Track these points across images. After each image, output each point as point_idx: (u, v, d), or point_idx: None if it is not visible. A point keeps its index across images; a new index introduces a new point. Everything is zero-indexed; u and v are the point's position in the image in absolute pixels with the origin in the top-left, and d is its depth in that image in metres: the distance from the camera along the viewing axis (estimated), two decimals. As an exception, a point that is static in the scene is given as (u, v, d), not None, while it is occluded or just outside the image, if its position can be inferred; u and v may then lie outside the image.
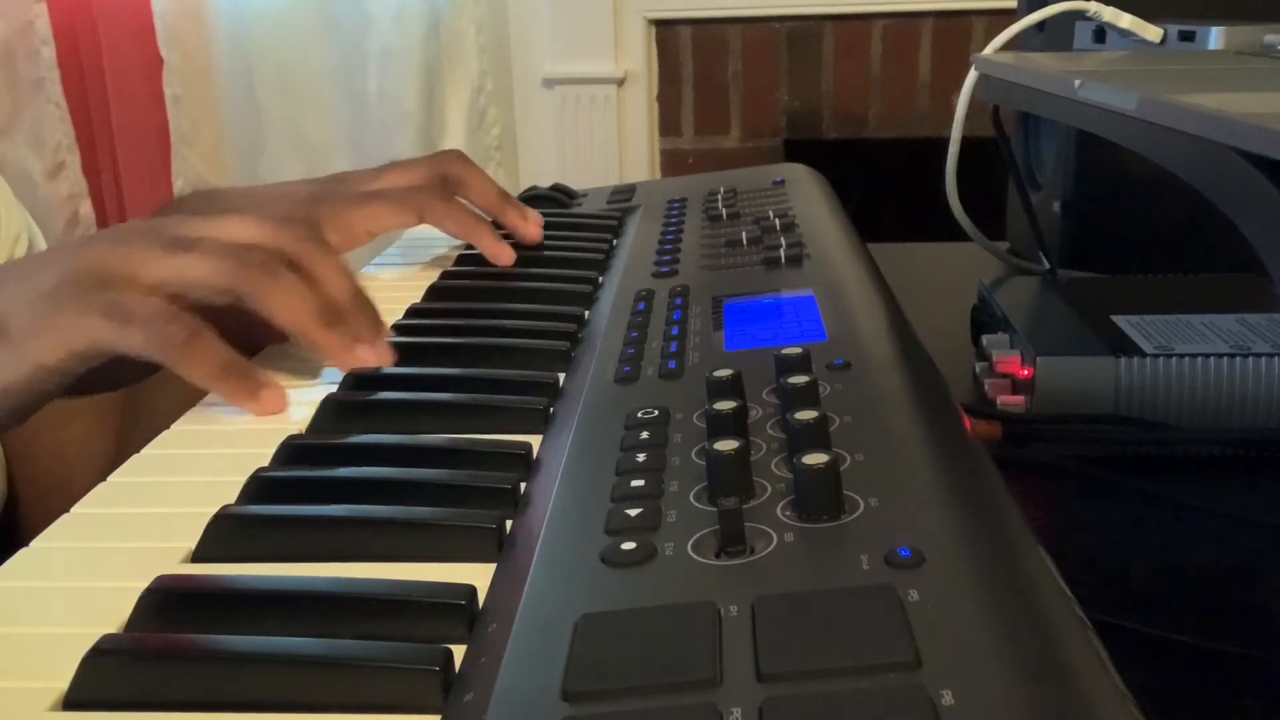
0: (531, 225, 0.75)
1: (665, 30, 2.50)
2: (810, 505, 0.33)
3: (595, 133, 2.54)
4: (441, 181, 0.73)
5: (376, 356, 0.53)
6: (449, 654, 0.31)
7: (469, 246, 0.78)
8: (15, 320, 0.48)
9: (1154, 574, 0.51)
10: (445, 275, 0.72)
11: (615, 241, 0.78)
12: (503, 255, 0.71)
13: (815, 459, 0.33)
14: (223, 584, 0.36)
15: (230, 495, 0.41)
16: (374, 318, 0.55)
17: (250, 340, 0.57)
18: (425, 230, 0.87)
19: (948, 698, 0.24)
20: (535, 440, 0.46)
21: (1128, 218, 0.88)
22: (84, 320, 0.47)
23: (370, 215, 0.70)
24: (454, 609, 0.33)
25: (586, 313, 0.63)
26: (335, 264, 0.54)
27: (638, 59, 2.51)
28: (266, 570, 0.37)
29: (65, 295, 0.48)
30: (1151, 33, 0.74)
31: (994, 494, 0.35)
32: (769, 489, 0.35)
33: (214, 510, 0.39)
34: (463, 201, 0.72)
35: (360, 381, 0.52)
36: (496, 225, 0.75)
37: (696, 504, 0.35)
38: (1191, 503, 0.55)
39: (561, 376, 0.53)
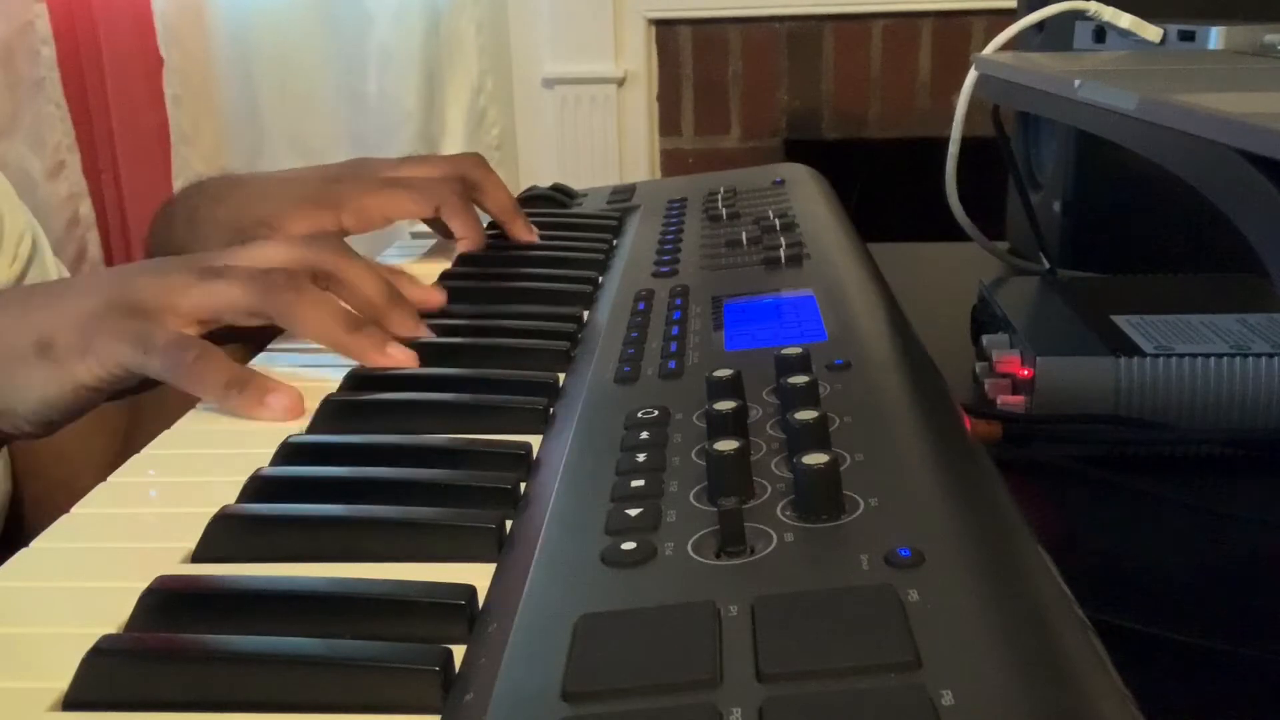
0: (533, 239, 0.79)
1: (665, 30, 2.50)
2: (810, 505, 0.33)
3: (595, 133, 2.53)
4: (460, 181, 0.76)
5: (409, 358, 0.55)
6: (449, 654, 0.31)
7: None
8: (62, 339, 0.51)
9: (1154, 574, 0.51)
10: (445, 275, 0.72)
11: (615, 241, 0.78)
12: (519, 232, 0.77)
13: (815, 459, 0.33)
14: (223, 584, 0.36)
15: (230, 495, 0.41)
16: (409, 314, 0.57)
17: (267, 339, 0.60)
18: (424, 230, 0.87)
19: (948, 698, 0.24)
20: (535, 440, 0.46)
21: (1128, 218, 0.88)
22: (117, 345, 0.51)
23: (390, 201, 0.73)
24: (454, 609, 0.33)
25: (586, 313, 0.63)
26: (363, 267, 0.57)
27: (638, 59, 2.51)
28: (266, 570, 0.37)
29: (105, 320, 0.52)
30: (1151, 33, 0.74)
31: (994, 494, 0.35)
32: (769, 489, 0.35)
33: (214, 510, 0.39)
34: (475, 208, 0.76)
35: (360, 381, 0.52)
36: (501, 236, 0.78)
37: (696, 504, 0.35)
38: (1191, 503, 0.55)
39: (561, 376, 0.53)
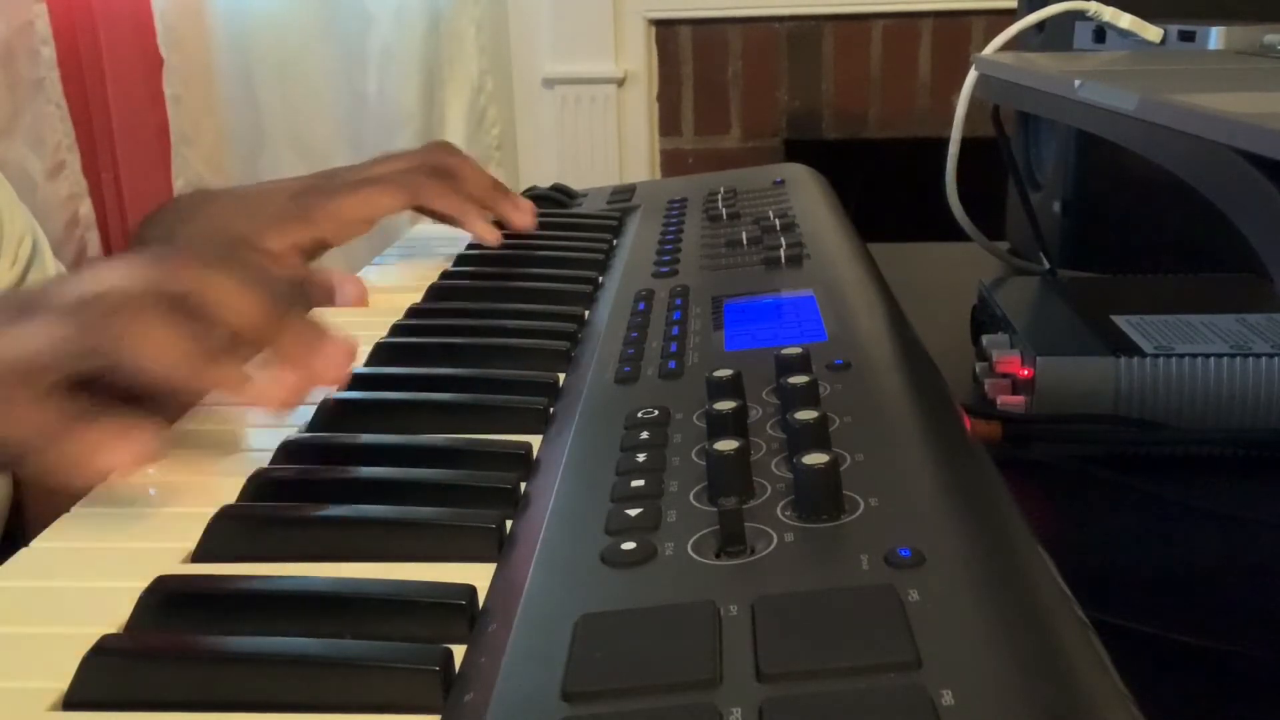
0: (524, 214, 0.77)
1: (665, 30, 2.50)
2: (810, 505, 0.33)
3: (595, 133, 2.53)
4: (433, 169, 0.74)
5: (288, 386, 0.44)
6: (449, 654, 0.31)
7: (469, 246, 0.78)
8: None
9: (1154, 574, 0.51)
10: (445, 275, 0.72)
11: (615, 241, 0.78)
12: (489, 237, 0.73)
13: (815, 459, 0.33)
14: (223, 584, 0.36)
15: (230, 495, 0.41)
16: (304, 328, 0.45)
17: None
18: (425, 230, 0.87)
19: (948, 698, 0.24)
20: (535, 440, 0.46)
21: (1128, 218, 0.88)
22: None
23: (364, 200, 0.71)
24: (454, 609, 0.33)
25: (586, 313, 0.63)
26: (228, 283, 0.44)
27: (638, 59, 2.51)
28: (266, 570, 0.37)
29: None
30: (1151, 33, 0.74)
31: (994, 494, 0.35)
32: (769, 489, 0.35)
33: (214, 510, 0.39)
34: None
35: (360, 381, 0.52)
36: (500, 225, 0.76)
37: (696, 504, 0.35)
38: (1191, 503, 0.55)
39: (561, 376, 0.53)
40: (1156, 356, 0.60)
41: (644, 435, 0.41)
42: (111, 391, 0.43)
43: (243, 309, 0.44)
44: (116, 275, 0.43)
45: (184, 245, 0.61)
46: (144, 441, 0.40)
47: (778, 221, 0.71)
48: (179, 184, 2.37)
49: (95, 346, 0.41)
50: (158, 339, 0.41)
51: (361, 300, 0.66)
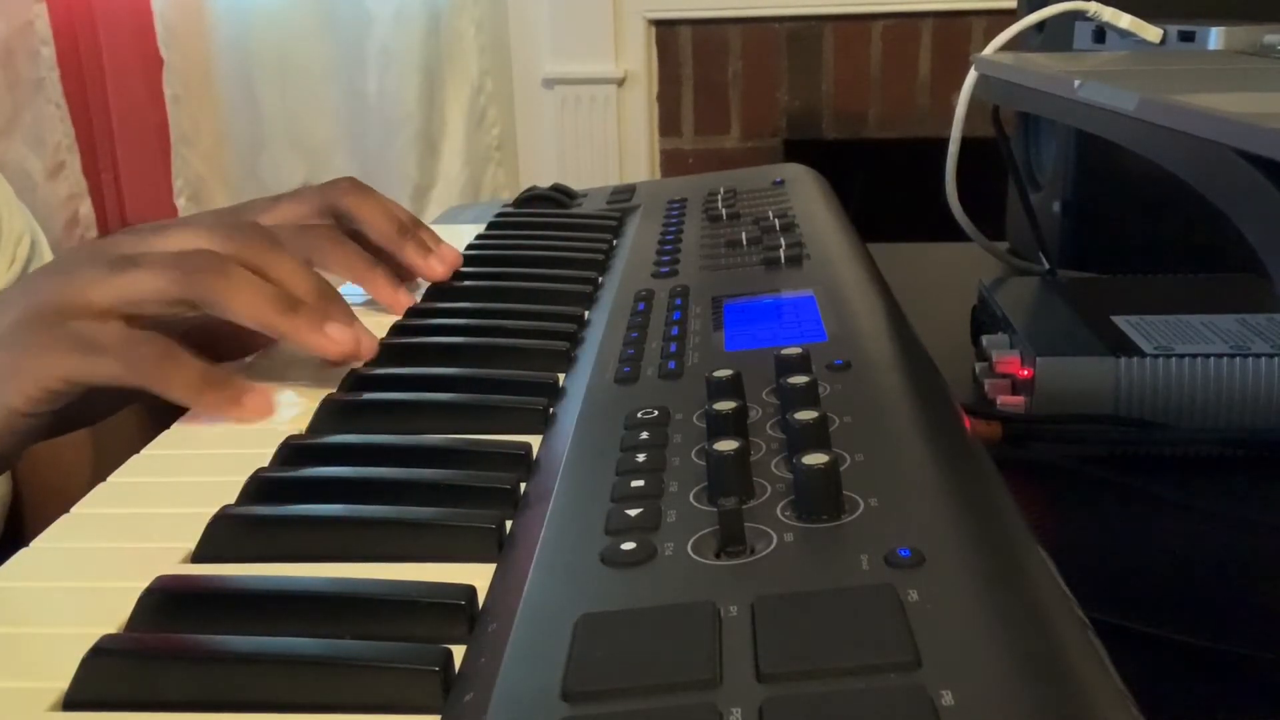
0: (435, 263, 0.66)
1: (665, 30, 2.51)
2: (810, 505, 0.33)
3: (595, 133, 2.54)
4: (333, 216, 0.64)
5: (351, 338, 0.52)
6: (449, 654, 0.31)
7: (470, 246, 0.78)
8: None
9: (1154, 574, 0.51)
10: (445, 275, 0.72)
11: (615, 241, 0.78)
12: (397, 304, 0.62)
13: (815, 459, 0.33)
14: (223, 584, 0.36)
15: (230, 495, 0.41)
16: (343, 309, 0.53)
17: (219, 356, 0.55)
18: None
19: (948, 698, 0.24)
20: (535, 440, 0.46)
21: (1128, 218, 0.88)
22: (52, 357, 0.47)
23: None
24: (454, 609, 0.33)
25: (586, 313, 0.63)
26: (291, 263, 0.52)
27: (638, 59, 2.51)
28: (266, 570, 0.37)
29: (26, 336, 0.47)
30: (1151, 33, 0.74)
31: (994, 494, 0.35)
32: (769, 489, 0.35)
33: (214, 510, 0.39)
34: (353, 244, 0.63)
35: (360, 381, 0.52)
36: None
37: (696, 504, 0.35)
38: (1191, 503, 0.55)
39: (561, 377, 0.53)
40: (1156, 356, 0.60)
41: (644, 435, 0.41)
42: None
43: (301, 281, 0.52)
44: (202, 239, 0.52)
45: (252, 218, 0.60)
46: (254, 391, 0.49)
47: (778, 222, 0.71)
48: (179, 184, 2.38)
49: (186, 294, 0.49)
50: (246, 289, 0.50)
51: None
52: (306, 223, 0.63)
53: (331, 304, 0.53)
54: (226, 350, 0.56)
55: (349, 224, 0.64)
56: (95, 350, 0.47)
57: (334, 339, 0.51)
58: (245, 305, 0.49)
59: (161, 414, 0.53)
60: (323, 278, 0.53)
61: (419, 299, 0.67)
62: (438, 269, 0.66)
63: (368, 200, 0.65)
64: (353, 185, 0.66)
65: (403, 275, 0.65)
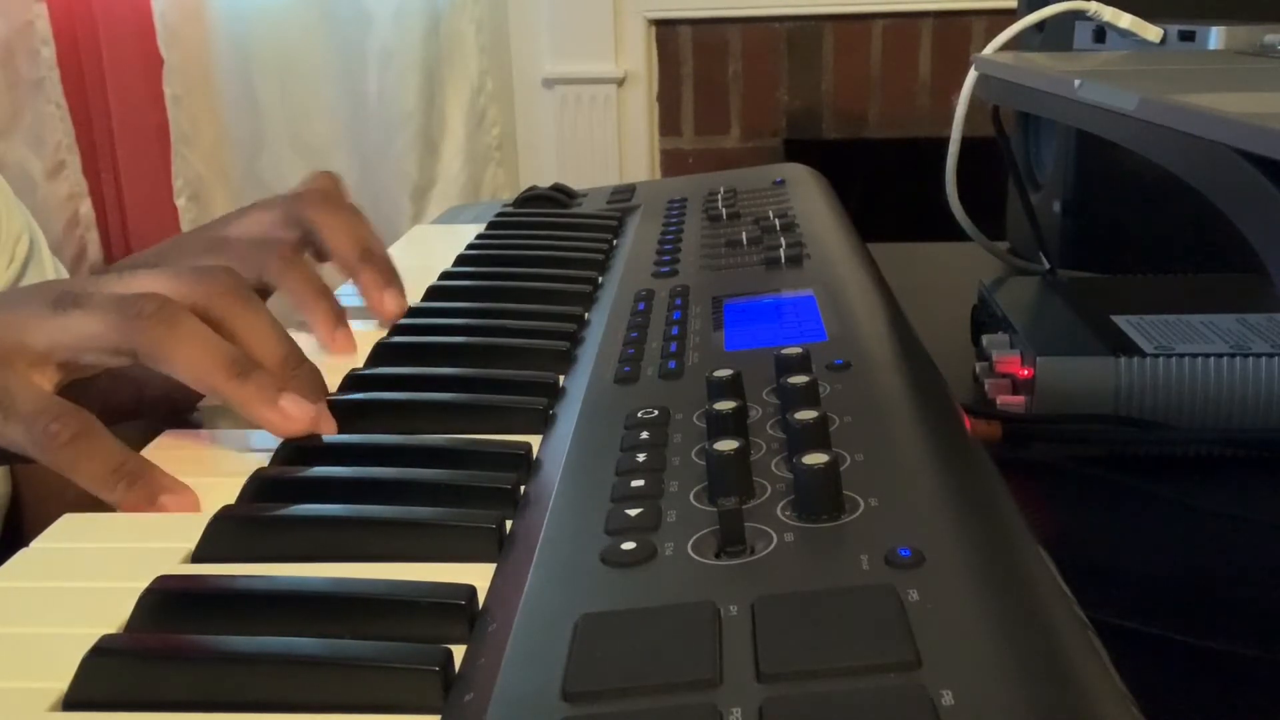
0: (388, 300, 0.61)
1: (665, 30, 2.50)
2: (810, 505, 0.33)
3: (595, 133, 2.54)
4: (300, 228, 0.60)
5: (308, 416, 0.45)
6: (449, 654, 0.31)
7: (470, 246, 0.78)
8: None
9: (1154, 574, 0.51)
10: (445, 275, 0.72)
11: (615, 241, 0.78)
12: (335, 344, 0.57)
13: (815, 459, 0.33)
14: (223, 584, 0.36)
15: (230, 495, 0.41)
16: (309, 382, 0.48)
17: (176, 407, 0.53)
18: (425, 230, 0.87)
19: (948, 698, 0.24)
20: (535, 440, 0.46)
21: (1128, 218, 0.88)
22: None
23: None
24: (454, 609, 0.33)
25: (586, 313, 0.63)
26: (260, 320, 0.47)
27: (638, 59, 2.51)
28: (266, 570, 0.37)
29: None
30: (1151, 33, 0.74)
31: (994, 494, 0.35)
32: (769, 489, 0.35)
33: (214, 510, 0.39)
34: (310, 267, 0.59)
35: (360, 381, 0.52)
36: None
37: (696, 504, 0.35)
38: (1191, 503, 0.55)
39: (561, 377, 0.53)
40: (1156, 356, 0.60)
41: (644, 435, 0.41)
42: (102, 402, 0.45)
43: (267, 344, 0.47)
44: (160, 282, 0.46)
45: (223, 263, 0.53)
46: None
47: (778, 221, 0.71)
48: (179, 184, 2.38)
49: (125, 342, 0.44)
50: (192, 343, 0.44)
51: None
52: (271, 234, 0.59)
53: (295, 373, 0.47)
54: (184, 396, 0.51)
55: (312, 239, 0.61)
56: (7, 413, 0.42)
57: (287, 414, 0.45)
58: (188, 362, 0.44)
59: (161, 415, 0.53)
60: (293, 341, 0.48)
61: (419, 300, 0.67)
62: (389, 307, 0.61)
63: (335, 216, 0.61)
64: (323, 197, 0.62)
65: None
